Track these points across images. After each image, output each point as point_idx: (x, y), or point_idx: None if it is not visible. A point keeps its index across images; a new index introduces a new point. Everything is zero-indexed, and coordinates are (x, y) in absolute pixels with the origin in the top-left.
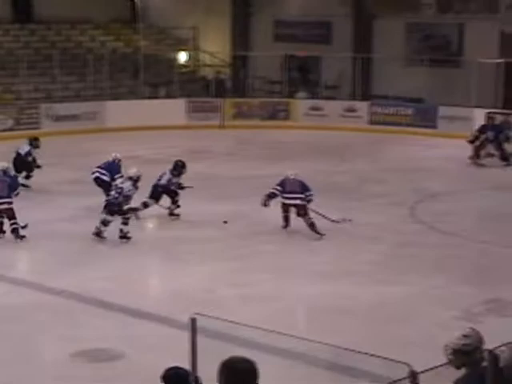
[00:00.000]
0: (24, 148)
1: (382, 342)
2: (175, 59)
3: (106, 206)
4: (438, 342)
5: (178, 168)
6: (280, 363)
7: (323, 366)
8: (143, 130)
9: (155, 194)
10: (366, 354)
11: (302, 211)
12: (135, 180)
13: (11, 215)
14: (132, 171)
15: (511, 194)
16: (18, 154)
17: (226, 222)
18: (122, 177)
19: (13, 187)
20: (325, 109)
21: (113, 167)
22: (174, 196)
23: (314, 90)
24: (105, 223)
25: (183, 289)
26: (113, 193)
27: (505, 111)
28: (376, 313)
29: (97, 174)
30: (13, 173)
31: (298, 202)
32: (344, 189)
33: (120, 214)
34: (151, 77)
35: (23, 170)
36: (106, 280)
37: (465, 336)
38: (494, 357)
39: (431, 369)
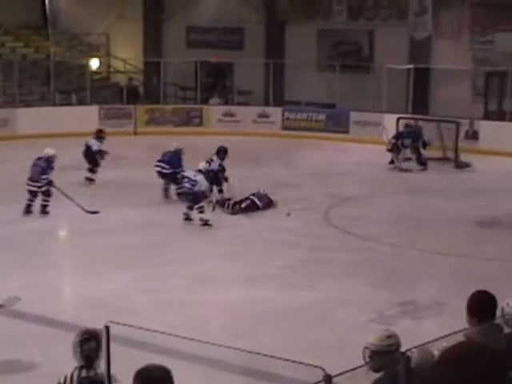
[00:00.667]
0: (93, 142)
1: (298, 346)
2: (87, 66)
3: (179, 195)
4: (353, 345)
5: (221, 153)
6: (196, 370)
7: (239, 372)
8: (56, 137)
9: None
10: (281, 358)
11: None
12: (204, 173)
13: (46, 195)
14: (201, 164)
15: (423, 197)
16: (88, 148)
17: (289, 214)
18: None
19: (45, 172)
20: (238, 115)
21: (174, 158)
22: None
23: (227, 96)
24: (190, 208)
25: (98, 296)
26: (187, 185)
27: (414, 116)
28: (292, 317)
29: (158, 169)
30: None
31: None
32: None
33: (194, 203)
34: (63, 83)
35: (92, 163)
36: (18, 289)
37: (388, 337)
38: (406, 358)
39: (346, 372)
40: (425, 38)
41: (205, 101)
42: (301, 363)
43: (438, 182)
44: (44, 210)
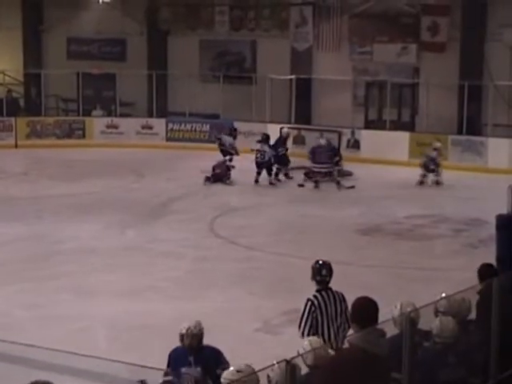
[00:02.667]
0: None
1: None
2: None
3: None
4: (239, 355)
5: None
6: None
7: None
8: None
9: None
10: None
11: None
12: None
13: None
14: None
15: (306, 206)
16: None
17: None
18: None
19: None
20: (121, 126)
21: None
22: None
23: (110, 108)
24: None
25: None
26: (258, 155)
27: (297, 126)
28: (176, 329)
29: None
30: None
31: None
32: (143, 205)
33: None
34: None
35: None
36: None
37: (238, 371)
38: (292, 367)
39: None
40: (306, 48)
41: (87, 113)
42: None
43: (321, 191)
44: None
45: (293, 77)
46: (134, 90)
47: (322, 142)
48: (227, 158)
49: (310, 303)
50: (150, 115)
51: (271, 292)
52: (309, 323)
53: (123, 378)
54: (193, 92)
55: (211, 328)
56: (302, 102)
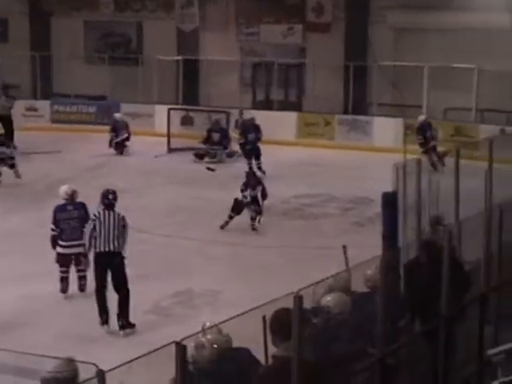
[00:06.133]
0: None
1: (68, 343)
2: None
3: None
4: (135, 336)
5: None
6: None
7: (10, 372)
8: None
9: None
10: (51, 357)
11: None
12: None
13: None
14: None
15: (196, 187)
16: None
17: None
18: None
19: None
20: None
21: None
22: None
23: None
24: None
25: None
26: None
27: (185, 107)
28: (64, 312)
29: None
30: None
31: None
32: (28, 189)
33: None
34: None
35: None
36: None
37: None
38: (182, 348)
39: (119, 366)
40: (192, 30)
41: None
42: (73, 360)
43: (210, 172)
44: None
45: (180, 58)
46: (17, 71)
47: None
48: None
49: (93, 216)
50: (35, 97)
51: (160, 274)
52: (90, 228)
53: (9, 365)
54: (78, 73)
55: (95, 309)
56: (189, 83)
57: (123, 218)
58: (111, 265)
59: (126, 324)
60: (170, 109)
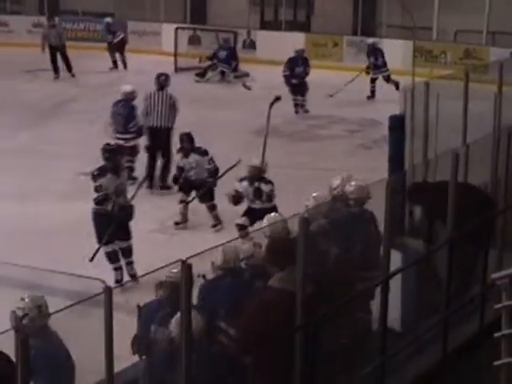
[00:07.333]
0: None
1: (77, 259)
2: None
3: None
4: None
5: None
6: None
7: (21, 287)
8: None
9: None
10: (62, 272)
11: None
12: None
13: None
14: None
15: (201, 106)
16: None
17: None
18: None
19: None
20: (11, 24)
21: None
22: None
23: None
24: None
25: None
26: None
27: (193, 26)
28: (72, 230)
29: None
30: None
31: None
32: (35, 106)
33: None
34: None
35: None
36: None
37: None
38: (188, 267)
39: (126, 282)
40: None
41: None
42: (80, 276)
43: (217, 91)
44: None
45: None
46: None
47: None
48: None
49: (146, 95)
50: (42, 13)
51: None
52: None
53: (20, 280)
54: None
55: None
56: (197, 1)
57: (171, 97)
58: (160, 137)
59: (163, 186)
60: (177, 28)
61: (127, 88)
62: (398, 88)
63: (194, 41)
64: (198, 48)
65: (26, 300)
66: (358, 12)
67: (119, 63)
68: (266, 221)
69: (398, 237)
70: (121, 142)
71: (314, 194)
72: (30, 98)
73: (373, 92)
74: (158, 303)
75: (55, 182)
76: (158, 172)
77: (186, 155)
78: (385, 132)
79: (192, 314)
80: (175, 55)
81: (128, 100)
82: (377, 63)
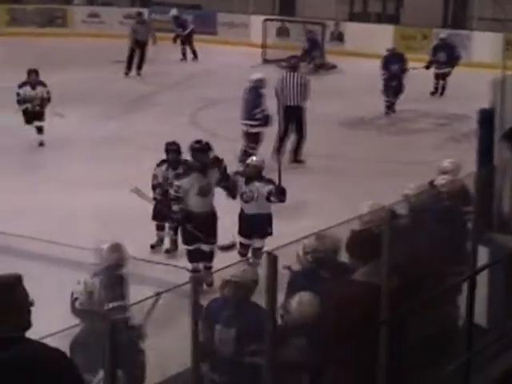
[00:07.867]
0: None
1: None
2: None
3: None
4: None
5: None
6: (64, 274)
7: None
8: None
9: None
10: (151, 261)
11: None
12: None
13: None
14: None
15: None
16: None
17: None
18: None
19: None
20: (102, 15)
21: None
22: None
23: None
24: None
25: None
26: None
27: (280, 17)
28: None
29: None
30: None
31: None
32: (119, 97)
33: None
34: None
35: None
36: None
37: None
38: (274, 258)
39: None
40: None
41: (68, 1)
42: (167, 264)
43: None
44: None
45: None
46: None
47: None
48: None
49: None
50: (133, 4)
51: None
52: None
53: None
54: None
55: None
56: None
57: (303, 77)
58: (294, 115)
59: (296, 160)
60: (265, 19)
61: (256, 75)
62: (437, 92)
63: (282, 32)
64: (287, 40)
65: (81, 284)
66: (448, 4)
67: (189, 55)
68: (365, 208)
69: (486, 232)
70: (245, 128)
71: (411, 185)
72: (117, 88)
73: (437, 88)
74: (223, 302)
75: (147, 172)
76: (290, 146)
77: (174, 168)
78: (474, 126)
79: (308, 297)
80: (263, 47)
81: (256, 88)
82: (444, 60)
